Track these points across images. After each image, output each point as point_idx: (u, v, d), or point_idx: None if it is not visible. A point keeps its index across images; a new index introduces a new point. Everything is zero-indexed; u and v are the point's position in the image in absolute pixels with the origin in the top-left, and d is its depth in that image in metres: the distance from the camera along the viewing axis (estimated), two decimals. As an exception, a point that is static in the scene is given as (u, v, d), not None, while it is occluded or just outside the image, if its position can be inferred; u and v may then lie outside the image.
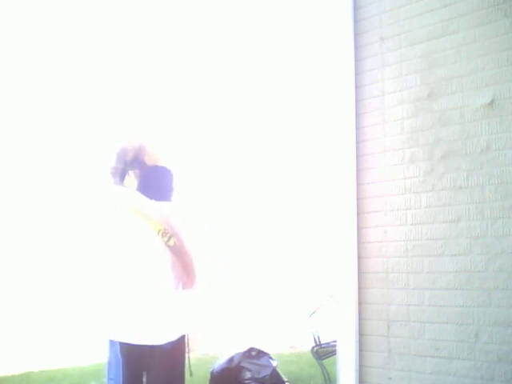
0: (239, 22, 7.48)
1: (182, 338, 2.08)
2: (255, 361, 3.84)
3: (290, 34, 7.36)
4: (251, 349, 3.95)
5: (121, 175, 2.15)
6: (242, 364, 3.80)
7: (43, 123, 7.27)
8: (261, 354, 3.94)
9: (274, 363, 3.90)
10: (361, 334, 2.28)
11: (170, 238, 1.97)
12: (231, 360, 3.86)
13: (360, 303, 2.30)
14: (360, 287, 2.30)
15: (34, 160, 7.22)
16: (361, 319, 2.29)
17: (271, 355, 4.01)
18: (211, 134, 7.79)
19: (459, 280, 2.03)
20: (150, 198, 2.08)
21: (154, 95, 6.89)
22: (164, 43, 7.23)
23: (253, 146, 8.31)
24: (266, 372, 3.76)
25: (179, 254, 1.99)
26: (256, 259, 7.69)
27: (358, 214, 2.34)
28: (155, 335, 1.96)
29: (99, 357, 3.31)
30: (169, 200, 2.18)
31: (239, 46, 7.64)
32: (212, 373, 3.88)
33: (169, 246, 1.98)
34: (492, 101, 2.02)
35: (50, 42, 6.97)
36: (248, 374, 3.74)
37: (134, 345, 2.01)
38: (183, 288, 2.05)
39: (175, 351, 2.03)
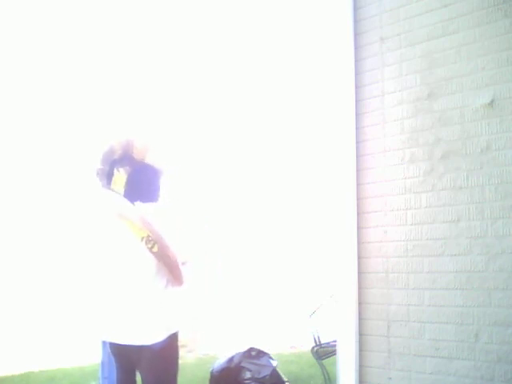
0: (239, 22, 7.48)
1: (175, 340, 2.06)
2: (255, 361, 3.84)
3: (290, 34, 7.36)
4: (251, 349, 3.95)
5: (108, 176, 2.11)
6: (242, 364, 3.80)
7: (28, 125, 7.17)
8: (261, 354, 3.94)
9: (274, 363, 3.90)
10: (361, 334, 2.28)
11: (153, 244, 1.96)
12: (231, 360, 3.86)
13: (360, 303, 2.30)
14: (360, 287, 2.30)
15: (20, 163, 7.13)
16: (361, 319, 2.29)
17: (271, 355, 4.01)
18: (211, 136, 7.79)
19: (459, 280, 2.03)
20: (136, 199, 2.07)
21: (149, 93, 6.88)
22: (161, 41, 7.23)
23: (253, 146, 8.31)
24: (266, 372, 3.76)
25: (163, 259, 1.98)
26: (256, 259, 7.69)
27: (358, 213, 2.34)
28: (141, 336, 1.96)
29: (99, 357, 3.32)
30: (155, 201, 2.16)
31: (239, 45, 7.64)
32: (212, 373, 3.88)
33: (153, 253, 1.97)
34: (492, 101, 2.02)
35: (35, 40, 6.91)
36: (248, 374, 3.74)
37: (121, 345, 2.02)
38: (171, 287, 2.05)
39: (165, 352, 2.00)
